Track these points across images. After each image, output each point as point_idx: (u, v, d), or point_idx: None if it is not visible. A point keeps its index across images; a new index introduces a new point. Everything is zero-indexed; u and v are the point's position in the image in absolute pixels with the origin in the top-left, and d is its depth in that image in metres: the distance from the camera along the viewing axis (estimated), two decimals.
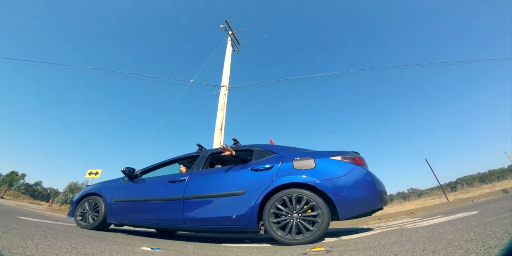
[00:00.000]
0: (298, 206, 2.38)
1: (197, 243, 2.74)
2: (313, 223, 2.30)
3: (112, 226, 4.26)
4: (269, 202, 2.49)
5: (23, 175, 57.92)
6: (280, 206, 2.44)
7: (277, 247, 2.28)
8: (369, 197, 2.33)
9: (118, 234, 3.24)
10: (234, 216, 2.52)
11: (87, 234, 2.70)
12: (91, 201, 3.65)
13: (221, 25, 13.73)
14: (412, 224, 3.30)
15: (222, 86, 11.39)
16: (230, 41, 13.63)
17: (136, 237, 3.03)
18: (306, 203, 2.34)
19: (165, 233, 4.02)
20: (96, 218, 3.45)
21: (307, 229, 2.28)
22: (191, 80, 12.03)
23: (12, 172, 56.37)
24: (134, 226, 3.32)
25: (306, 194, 2.38)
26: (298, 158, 2.67)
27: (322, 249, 1.90)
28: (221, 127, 9.02)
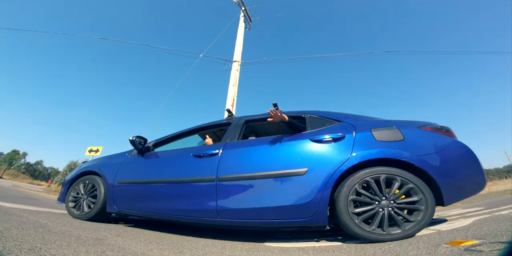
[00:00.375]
0: (388, 191, 1.75)
1: (232, 243, 1.85)
2: (410, 212, 1.76)
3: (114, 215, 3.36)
4: (345, 185, 1.75)
5: (24, 154, 57.67)
6: (363, 191, 1.74)
7: (373, 246, 1.50)
8: (476, 178, 1.85)
9: (124, 227, 2.37)
10: (293, 205, 1.76)
11: (78, 231, 1.82)
12: (87, 182, 2.78)
13: (234, 0, 12.64)
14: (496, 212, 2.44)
15: (234, 61, 10.64)
16: (243, 17, 12.75)
17: (151, 233, 2.16)
18: (400, 187, 1.75)
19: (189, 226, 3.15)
20: (93, 206, 2.59)
21: (407, 220, 1.69)
22: (201, 55, 11.17)
23: (14, 151, 55.99)
24: (144, 218, 2.43)
25: (400, 174, 1.75)
26: (377, 127, 1.97)
27: (471, 242, 1.27)
28: (233, 103, 8.27)
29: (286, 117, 2.10)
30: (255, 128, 2.99)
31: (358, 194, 1.75)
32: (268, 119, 2.15)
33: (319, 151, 1.91)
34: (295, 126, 2.13)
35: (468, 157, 1.88)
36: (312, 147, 1.95)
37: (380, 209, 1.69)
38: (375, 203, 1.71)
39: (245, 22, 12.63)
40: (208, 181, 2.04)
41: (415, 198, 1.70)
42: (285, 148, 2.01)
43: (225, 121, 2.68)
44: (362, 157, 1.78)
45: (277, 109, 2.68)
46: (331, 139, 1.95)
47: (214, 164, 2.10)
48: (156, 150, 2.73)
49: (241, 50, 11.09)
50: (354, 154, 1.81)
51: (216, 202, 1.96)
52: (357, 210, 1.70)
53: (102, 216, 2.59)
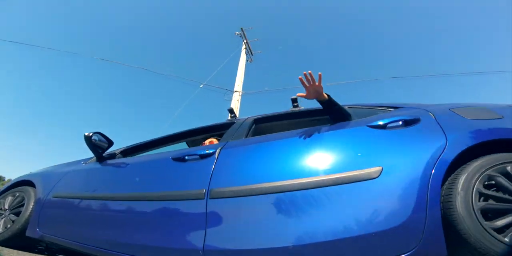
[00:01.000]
0: None
1: None
2: None
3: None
4: (459, 186, 1.00)
5: None
6: (492, 193, 1.00)
7: None
8: None
9: None
10: (371, 234, 0.96)
11: None
12: (17, 194, 1.94)
13: (237, 32, 13.38)
14: None
15: (235, 91, 10.58)
16: (245, 49, 13.28)
17: None
18: None
19: None
20: (10, 225, 1.75)
21: None
22: (201, 85, 11.19)
23: None
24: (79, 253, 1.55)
25: None
26: (457, 107, 1.33)
27: None
28: None
29: (326, 95, 1.39)
30: (269, 131, 2.33)
31: (486, 198, 0.99)
32: (299, 94, 1.44)
33: (390, 140, 1.19)
34: (338, 109, 1.42)
35: None
36: (373, 135, 1.23)
37: None
38: None
39: (246, 54, 13.03)
40: (193, 197, 1.25)
41: None
42: (331, 141, 1.28)
43: (227, 122, 1.99)
44: (470, 139, 1.09)
45: (295, 105, 2.02)
46: (400, 122, 1.24)
47: (204, 171, 1.34)
48: (125, 158, 1.96)
49: (242, 81, 11.10)
50: (450, 137, 1.10)
51: (204, 236, 1.14)
52: (498, 223, 0.92)
53: (21, 241, 1.71)
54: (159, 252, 1.20)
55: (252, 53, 13.59)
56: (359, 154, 1.17)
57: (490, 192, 1.00)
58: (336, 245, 0.97)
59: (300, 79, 1.34)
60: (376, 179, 1.06)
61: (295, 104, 2.06)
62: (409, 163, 1.07)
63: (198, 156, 1.44)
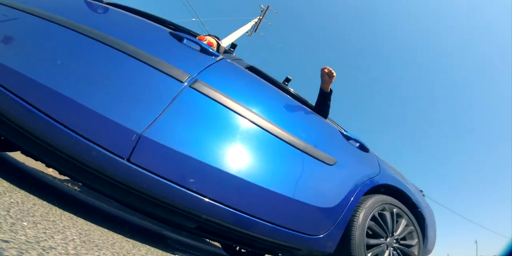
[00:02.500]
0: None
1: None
2: None
3: None
4: (366, 206, 1.28)
5: None
6: (376, 221, 1.33)
7: None
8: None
9: None
10: (312, 206, 1.11)
11: None
12: None
13: (262, 5, 13.03)
14: None
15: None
16: (254, 23, 12.88)
17: None
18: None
19: None
20: None
21: None
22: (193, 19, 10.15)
23: None
24: None
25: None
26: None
27: None
28: None
29: (330, 89, 1.59)
30: None
31: (376, 223, 1.31)
32: (326, 69, 1.53)
33: (349, 149, 1.44)
34: (327, 105, 1.61)
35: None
36: (342, 139, 1.46)
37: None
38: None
39: (251, 27, 12.72)
40: (173, 75, 1.06)
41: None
42: (315, 121, 1.43)
43: (227, 49, 1.83)
44: (386, 177, 1.45)
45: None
46: (358, 144, 1.53)
47: (198, 62, 1.19)
48: None
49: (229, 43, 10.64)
50: (380, 170, 1.46)
51: (153, 121, 0.95)
52: (371, 241, 1.23)
53: None
54: (87, 117, 0.92)
55: (256, 30, 13.52)
56: (328, 143, 1.36)
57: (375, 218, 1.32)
58: (269, 196, 1.03)
59: (324, 69, 1.53)
60: (331, 166, 1.24)
61: (286, 83, 2.11)
62: (354, 169, 1.36)
63: (199, 47, 1.27)
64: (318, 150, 1.22)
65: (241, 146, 1.07)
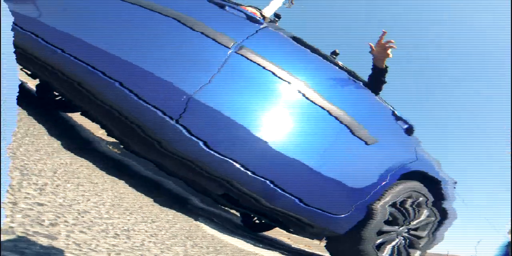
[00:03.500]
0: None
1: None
2: None
3: None
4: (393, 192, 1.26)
5: None
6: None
7: None
8: None
9: None
10: (344, 184, 1.14)
11: None
12: None
13: None
14: None
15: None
16: None
17: None
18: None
19: None
20: None
21: None
22: None
23: None
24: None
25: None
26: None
27: None
28: None
29: (385, 65, 1.40)
30: None
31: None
32: (370, 44, 1.36)
33: (394, 130, 1.38)
34: (381, 82, 1.45)
35: None
36: (390, 119, 1.37)
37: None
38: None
39: None
40: (221, 41, 1.08)
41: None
42: (365, 97, 1.37)
43: (271, 19, 1.73)
44: (422, 165, 1.37)
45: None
46: (406, 126, 1.43)
47: (244, 29, 1.19)
48: None
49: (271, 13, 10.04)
50: (417, 157, 1.37)
51: (204, 85, 1.01)
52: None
53: None
54: (147, 79, 1.03)
55: (293, 2, 12.54)
56: (374, 122, 1.29)
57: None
58: (302, 170, 1.07)
59: (385, 44, 1.31)
60: (369, 146, 1.21)
61: (334, 56, 1.97)
62: (392, 153, 1.32)
63: (244, 15, 1.24)
64: (362, 127, 1.19)
65: (282, 115, 1.11)
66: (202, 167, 1.02)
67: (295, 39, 1.60)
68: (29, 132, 1.02)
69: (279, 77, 1.08)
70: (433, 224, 1.37)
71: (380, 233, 1.22)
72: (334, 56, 1.86)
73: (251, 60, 1.08)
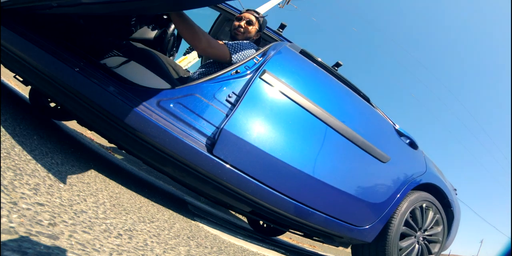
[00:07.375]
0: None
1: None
2: None
3: None
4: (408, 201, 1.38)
5: None
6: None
7: None
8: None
9: None
10: (363, 200, 1.25)
11: None
12: None
13: None
14: None
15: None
16: None
17: None
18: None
19: None
20: None
21: None
22: None
23: None
24: None
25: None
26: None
27: None
28: None
29: None
30: None
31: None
32: None
33: (401, 146, 1.49)
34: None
35: None
36: (395, 135, 1.50)
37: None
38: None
39: None
40: None
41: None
42: (371, 115, 1.47)
43: (277, 32, 1.74)
44: (431, 176, 1.50)
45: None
46: (408, 141, 1.57)
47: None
48: None
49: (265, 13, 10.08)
50: (426, 169, 1.51)
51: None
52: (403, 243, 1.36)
53: None
54: None
55: (289, 2, 12.54)
56: (384, 140, 1.40)
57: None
58: (328, 190, 1.14)
59: None
60: (384, 164, 1.31)
61: (336, 68, 1.99)
62: (404, 167, 1.43)
63: None
64: (375, 147, 1.28)
65: (306, 141, 1.14)
66: (233, 189, 1.02)
67: (303, 53, 1.60)
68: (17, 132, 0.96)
69: (298, 104, 1.12)
70: (444, 228, 1.50)
71: (402, 237, 1.34)
72: (336, 68, 1.88)
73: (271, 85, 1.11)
